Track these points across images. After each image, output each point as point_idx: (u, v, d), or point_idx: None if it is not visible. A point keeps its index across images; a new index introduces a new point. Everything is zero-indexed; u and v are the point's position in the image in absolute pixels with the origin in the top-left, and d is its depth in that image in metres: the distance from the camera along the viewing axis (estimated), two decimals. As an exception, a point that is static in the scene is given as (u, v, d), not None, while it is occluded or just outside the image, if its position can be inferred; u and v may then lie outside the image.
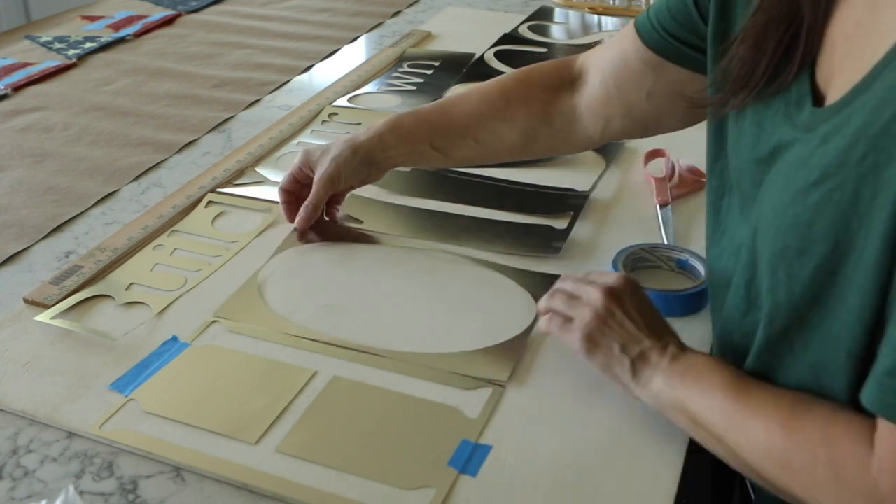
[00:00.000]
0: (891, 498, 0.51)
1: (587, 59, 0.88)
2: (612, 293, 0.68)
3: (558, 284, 0.73)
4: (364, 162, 0.90)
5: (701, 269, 0.83)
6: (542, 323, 0.72)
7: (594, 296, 0.68)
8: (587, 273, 0.73)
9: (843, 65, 0.58)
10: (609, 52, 0.84)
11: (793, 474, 0.56)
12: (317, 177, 0.90)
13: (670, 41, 0.76)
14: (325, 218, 0.95)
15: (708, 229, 0.74)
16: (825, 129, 0.56)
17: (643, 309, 0.69)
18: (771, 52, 0.62)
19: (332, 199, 0.94)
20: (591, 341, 0.67)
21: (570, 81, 0.87)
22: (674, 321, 0.79)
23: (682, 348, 0.67)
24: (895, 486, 0.51)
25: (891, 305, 0.52)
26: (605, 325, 0.67)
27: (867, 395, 0.52)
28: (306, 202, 0.91)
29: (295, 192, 0.94)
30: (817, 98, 0.60)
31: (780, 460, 0.57)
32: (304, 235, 0.93)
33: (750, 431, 0.58)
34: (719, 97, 0.67)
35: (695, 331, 0.78)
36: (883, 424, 0.52)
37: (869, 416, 0.54)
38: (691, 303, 0.80)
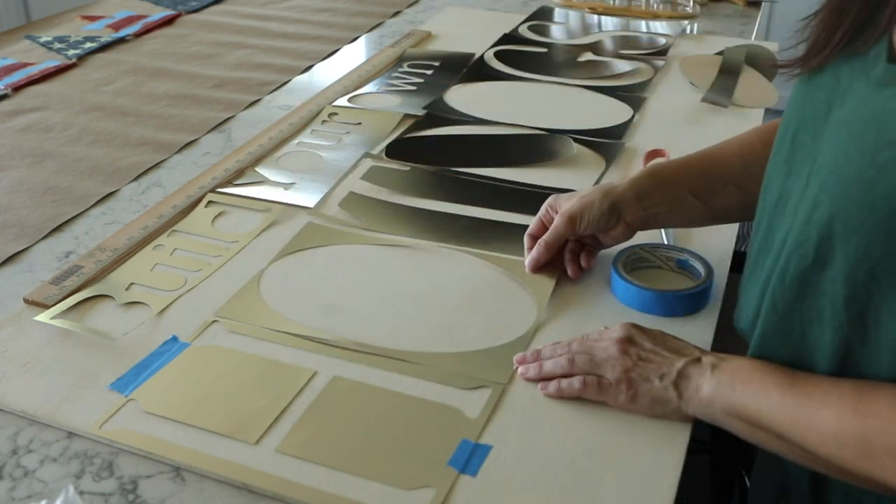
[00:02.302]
0: None
1: None
2: (624, 341, 0.70)
3: (560, 351, 0.72)
4: (613, 208, 0.82)
5: (701, 269, 0.83)
6: (570, 387, 0.70)
7: (612, 349, 0.69)
8: (583, 337, 0.73)
9: None
10: None
11: (873, 459, 0.56)
12: (559, 212, 0.84)
13: None
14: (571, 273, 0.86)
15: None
16: None
17: (658, 339, 0.70)
18: (854, 16, 0.62)
19: (581, 249, 0.87)
20: (632, 388, 0.67)
21: None
22: (674, 321, 0.79)
23: (718, 355, 0.67)
24: None
25: None
26: (637, 367, 0.68)
27: None
28: (542, 239, 0.85)
29: (540, 236, 0.86)
30: (893, 57, 0.60)
31: (858, 447, 0.56)
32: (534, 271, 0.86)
33: (819, 424, 0.58)
34: (798, 59, 0.68)
35: (694, 333, 0.78)
36: None
37: None
38: (691, 303, 0.80)
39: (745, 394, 0.63)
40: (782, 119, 0.71)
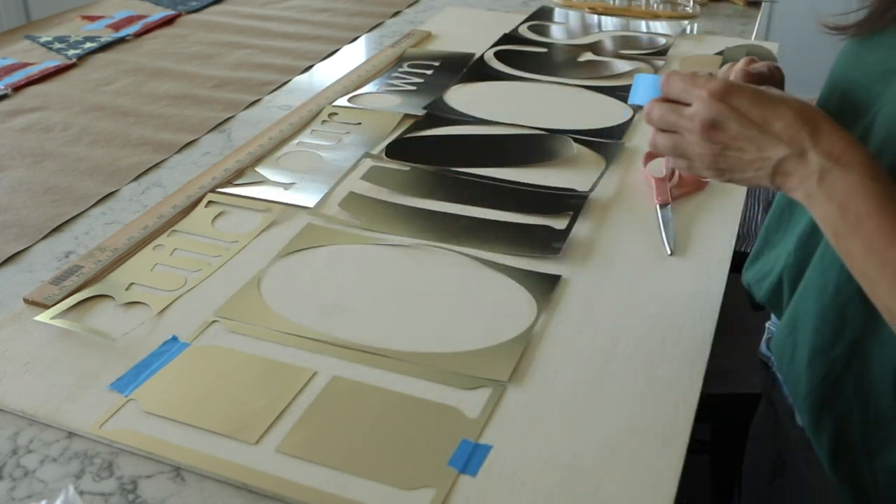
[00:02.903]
0: None
1: None
2: (708, 126, 0.59)
3: (664, 87, 0.64)
4: None
5: None
6: (668, 161, 0.65)
7: (695, 137, 0.60)
8: (668, 82, 0.63)
9: None
10: None
11: None
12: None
13: None
14: None
15: None
16: None
17: (751, 117, 0.58)
18: None
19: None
20: (724, 175, 0.61)
21: None
22: (673, 321, 0.79)
23: (829, 152, 0.56)
24: None
25: None
26: (726, 156, 0.60)
27: None
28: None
29: None
30: None
31: None
32: None
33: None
34: (859, 22, 0.65)
35: (693, 332, 0.78)
36: None
37: None
38: None
39: (856, 226, 0.54)
40: (828, 80, 0.68)
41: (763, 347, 0.81)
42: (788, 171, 0.57)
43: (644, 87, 0.70)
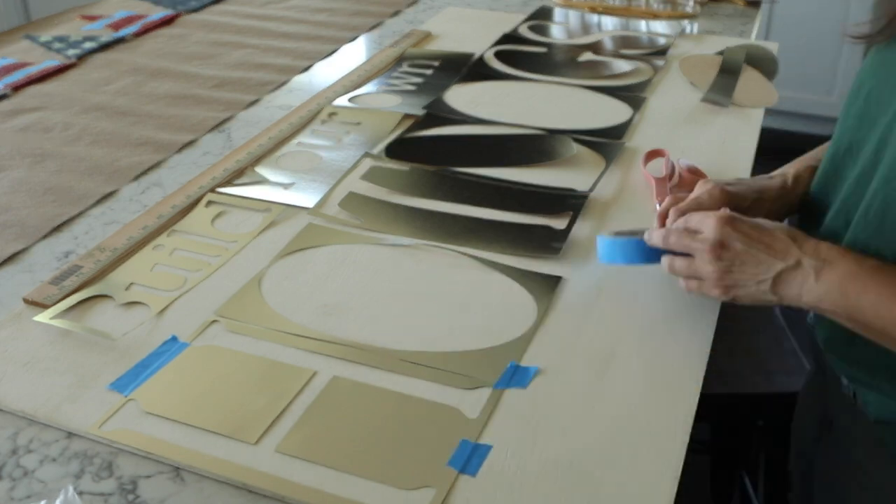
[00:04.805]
0: None
1: None
2: (717, 247, 0.69)
3: (668, 234, 0.74)
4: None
5: None
6: (681, 281, 0.74)
7: (704, 257, 0.70)
8: (685, 225, 0.74)
9: None
10: None
11: None
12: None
13: None
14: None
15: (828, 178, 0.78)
16: None
17: (754, 237, 0.69)
18: None
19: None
20: (729, 292, 0.70)
21: None
22: (675, 318, 0.79)
23: (819, 254, 0.66)
24: None
25: None
26: (731, 273, 0.69)
27: None
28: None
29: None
30: None
31: None
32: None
33: None
34: (878, 30, 0.70)
35: (694, 331, 0.78)
36: None
37: None
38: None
39: (859, 301, 0.64)
40: (855, 82, 0.75)
41: (810, 316, 0.85)
42: (788, 279, 0.67)
43: (608, 248, 0.81)
